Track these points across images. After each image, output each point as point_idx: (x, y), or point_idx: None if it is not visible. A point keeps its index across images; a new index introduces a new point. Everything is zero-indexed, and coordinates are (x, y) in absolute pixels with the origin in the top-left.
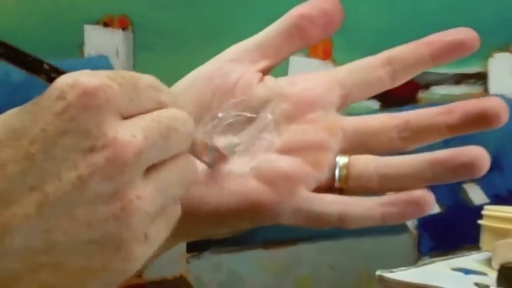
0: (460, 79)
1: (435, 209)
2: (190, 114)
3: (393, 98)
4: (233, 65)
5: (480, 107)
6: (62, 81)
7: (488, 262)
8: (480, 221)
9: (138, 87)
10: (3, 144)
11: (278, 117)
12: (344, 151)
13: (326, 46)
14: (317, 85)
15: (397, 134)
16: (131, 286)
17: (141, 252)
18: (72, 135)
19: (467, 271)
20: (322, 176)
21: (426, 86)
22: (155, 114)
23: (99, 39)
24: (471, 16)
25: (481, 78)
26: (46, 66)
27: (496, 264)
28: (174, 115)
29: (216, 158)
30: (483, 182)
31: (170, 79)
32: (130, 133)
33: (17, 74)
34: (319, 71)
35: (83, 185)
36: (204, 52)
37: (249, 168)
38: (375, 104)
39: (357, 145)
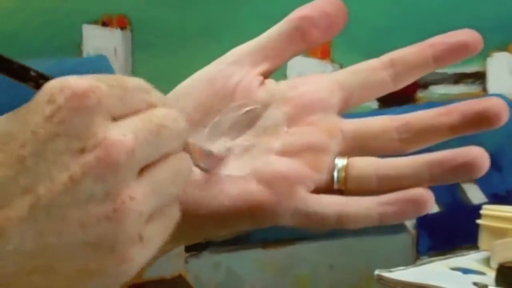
0: (458, 78)
1: (434, 208)
2: (190, 117)
3: (392, 98)
4: (234, 68)
5: (480, 107)
6: (51, 85)
7: (487, 261)
8: (478, 221)
9: (127, 89)
10: None
11: (278, 120)
12: (343, 153)
13: (325, 46)
14: (318, 88)
15: (397, 136)
16: (129, 285)
17: (137, 254)
18: (63, 137)
19: (465, 271)
20: (321, 178)
21: (425, 85)
22: (145, 114)
23: (97, 39)
24: (470, 16)
25: (479, 77)
26: (33, 73)
27: (494, 264)
28: (164, 114)
29: (212, 163)
30: (482, 181)
31: (168, 78)
32: (120, 133)
33: None
34: (320, 74)
35: (75, 186)
36: (203, 51)
37: (248, 170)
38: (374, 104)
39: (357, 147)
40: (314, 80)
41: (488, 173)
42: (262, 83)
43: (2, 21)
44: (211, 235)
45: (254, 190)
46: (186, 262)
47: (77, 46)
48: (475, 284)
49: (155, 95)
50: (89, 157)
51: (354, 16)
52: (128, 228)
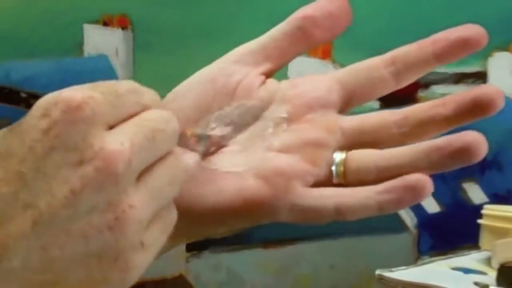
0: (459, 78)
1: (435, 208)
2: (189, 115)
3: (393, 97)
4: (236, 67)
5: (474, 94)
6: (45, 99)
7: (488, 261)
8: (479, 221)
9: (119, 94)
10: None
11: (278, 118)
12: (343, 149)
13: (326, 46)
14: (317, 86)
15: (397, 130)
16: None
17: (139, 260)
18: (60, 151)
19: (466, 270)
20: (320, 172)
21: (426, 85)
22: (138, 118)
23: (98, 39)
24: (471, 16)
25: (480, 77)
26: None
27: (495, 263)
28: (158, 116)
29: (209, 146)
30: (483, 181)
31: (169, 77)
32: (117, 142)
33: (16, 73)
34: (321, 73)
35: (76, 198)
36: (203, 51)
37: (246, 167)
38: (375, 104)
39: (357, 142)
40: (314, 79)
41: (489, 173)
42: (263, 83)
43: (3, 21)
44: (210, 233)
45: (251, 186)
46: (187, 262)
47: (79, 46)
48: (476, 284)
49: (147, 95)
50: (88, 169)
51: (355, 16)
52: (129, 237)
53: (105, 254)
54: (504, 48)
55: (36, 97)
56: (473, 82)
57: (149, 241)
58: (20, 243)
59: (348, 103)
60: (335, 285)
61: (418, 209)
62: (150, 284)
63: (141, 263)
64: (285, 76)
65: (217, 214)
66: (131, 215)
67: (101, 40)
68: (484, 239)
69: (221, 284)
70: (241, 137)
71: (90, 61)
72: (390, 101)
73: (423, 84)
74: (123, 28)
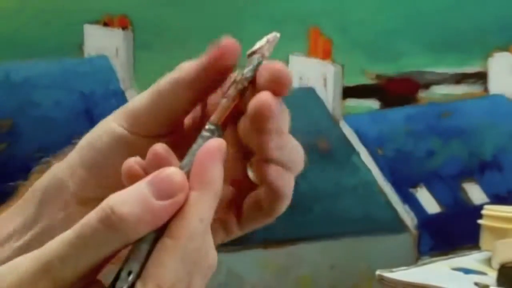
0: (460, 78)
1: (435, 209)
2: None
3: (393, 98)
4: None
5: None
6: None
7: (488, 261)
8: (480, 221)
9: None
10: None
11: None
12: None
13: (326, 46)
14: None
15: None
16: None
17: None
18: None
19: (467, 271)
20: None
21: (426, 85)
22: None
23: (99, 39)
24: (471, 16)
25: (481, 77)
26: None
27: (496, 264)
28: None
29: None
30: (483, 181)
31: None
32: None
33: (16, 74)
34: (321, 74)
35: None
36: (203, 51)
37: None
38: (375, 104)
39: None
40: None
41: (489, 174)
42: None
43: (4, 21)
44: None
45: None
46: None
47: (79, 46)
48: (476, 284)
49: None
50: None
51: (355, 17)
52: None
53: None
54: (504, 48)
55: None
56: (474, 83)
57: None
58: None
59: None
60: (335, 286)
61: (418, 210)
62: None
63: None
64: None
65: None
66: None
67: (101, 41)
68: (485, 239)
69: (221, 285)
70: None
71: (91, 62)
72: (390, 101)
73: (424, 84)
74: (123, 29)
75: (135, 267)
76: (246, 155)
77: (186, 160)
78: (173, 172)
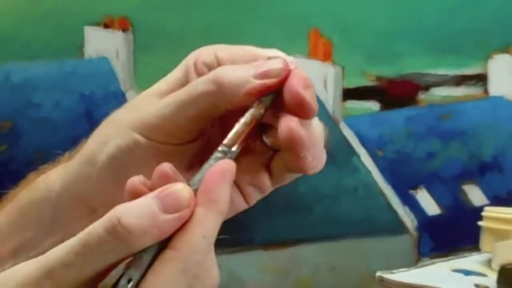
0: (460, 80)
1: (435, 210)
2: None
3: (393, 99)
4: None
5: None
6: None
7: (488, 263)
8: (480, 223)
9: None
10: None
11: None
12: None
13: (326, 48)
14: None
15: None
16: None
17: None
18: None
19: (467, 272)
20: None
21: (426, 87)
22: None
23: (99, 41)
24: (471, 18)
25: (481, 79)
26: None
27: (496, 265)
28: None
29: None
30: (483, 183)
31: None
32: None
33: (17, 75)
34: (322, 75)
35: None
36: None
37: None
38: (375, 106)
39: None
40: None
41: (489, 175)
42: None
43: (4, 22)
44: None
45: None
46: None
47: (79, 48)
48: (476, 285)
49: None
50: None
51: (355, 19)
52: None
53: None
54: (504, 50)
55: None
56: (474, 84)
57: None
58: None
59: None
60: (336, 287)
61: (418, 211)
62: None
63: None
64: None
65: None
66: None
67: (102, 42)
68: (485, 241)
69: (221, 286)
70: None
71: (91, 63)
72: (390, 103)
73: (423, 86)
74: (123, 30)
75: (135, 275)
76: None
77: (195, 178)
78: (180, 188)
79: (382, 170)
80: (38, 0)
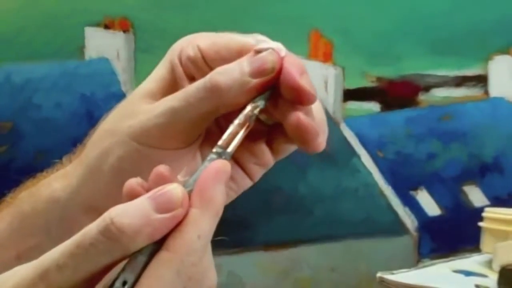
0: (460, 81)
1: (436, 211)
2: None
3: (394, 100)
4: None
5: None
6: None
7: (489, 264)
8: (480, 223)
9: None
10: None
11: None
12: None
13: (326, 49)
14: None
15: None
16: None
17: None
18: None
19: (467, 273)
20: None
21: (427, 88)
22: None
23: (100, 42)
24: (471, 19)
25: (481, 80)
26: None
27: (496, 266)
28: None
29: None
30: (484, 184)
31: None
32: None
33: (17, 76)
34: (322, 76)
35: None
36: None
37: None
38: (376, 107)
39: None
40: None
41: (490, 176)
42: None
43: (5, 23)
44: None
45: None
46: None
47: (80, 48)
48: (477, 286)
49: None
50: None
51: (356, 19)
52: None
53: None
54: (504, 51)
55: None
56: (474, 86)
57: None
58: None
59: None
60: None
61: (419, 212)
62: None
63: None
64: None
65: None
66: None
67: (102, 43)
68: (485, 241)
69: (221, 286)
70: None
71: (92, 64)
72: (390, 104)
73: (424, 87)
74: (124, 31)
75: (130, 277)
76: None
77: (191, 179)
78: (173, 187)
79: (382, 171)
80: (38, 1)
